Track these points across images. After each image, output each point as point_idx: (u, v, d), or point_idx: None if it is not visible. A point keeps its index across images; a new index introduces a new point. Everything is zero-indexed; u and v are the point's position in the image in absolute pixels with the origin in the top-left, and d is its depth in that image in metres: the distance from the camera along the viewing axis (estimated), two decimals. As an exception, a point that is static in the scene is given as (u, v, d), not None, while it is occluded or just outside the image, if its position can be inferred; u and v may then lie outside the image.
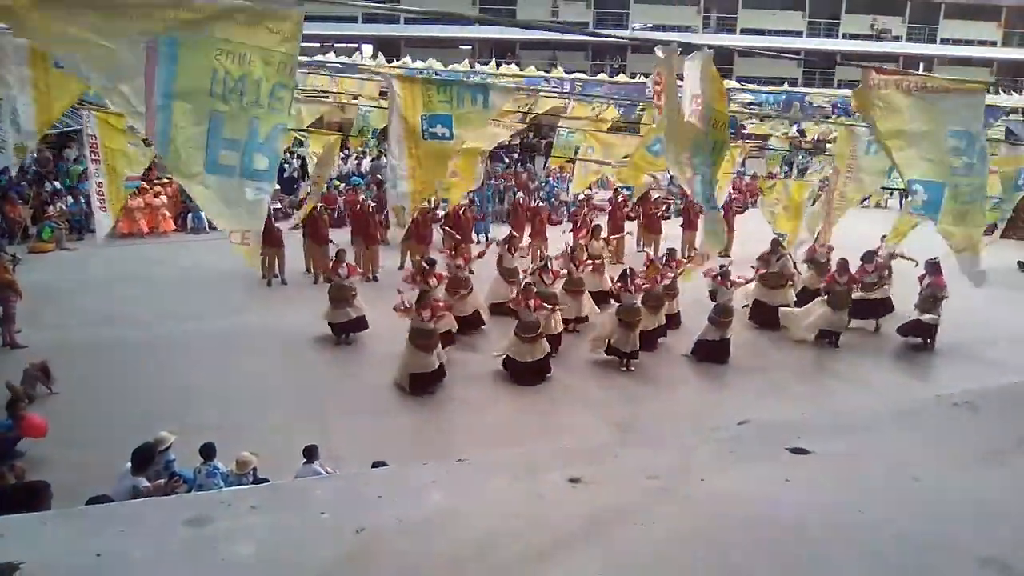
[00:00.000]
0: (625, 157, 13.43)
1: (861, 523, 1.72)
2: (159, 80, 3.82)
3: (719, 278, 12.31)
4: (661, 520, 1.71)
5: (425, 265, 12.28)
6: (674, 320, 13.28)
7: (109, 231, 16.07)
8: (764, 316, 13.87)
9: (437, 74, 17.70)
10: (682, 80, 5.43)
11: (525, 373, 10.94)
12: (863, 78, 5.88)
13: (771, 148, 17.62)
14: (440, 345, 10.66)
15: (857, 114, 8.36)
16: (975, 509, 1.78)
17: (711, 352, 12.14)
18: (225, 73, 3.93)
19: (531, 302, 10.84)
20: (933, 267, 12.90)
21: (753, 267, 13.79)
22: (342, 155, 23.67)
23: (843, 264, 13.25)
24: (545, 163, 28.86)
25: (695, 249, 17.42)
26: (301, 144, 16.67)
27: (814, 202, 13.27)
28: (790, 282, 14.22)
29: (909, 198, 12.73)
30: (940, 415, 2.35)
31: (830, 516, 1.75)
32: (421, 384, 10.44)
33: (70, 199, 19.17)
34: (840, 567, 1.56)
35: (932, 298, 12.72)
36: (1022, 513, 1.76)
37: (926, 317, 12.71)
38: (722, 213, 6.76)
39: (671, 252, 13.84)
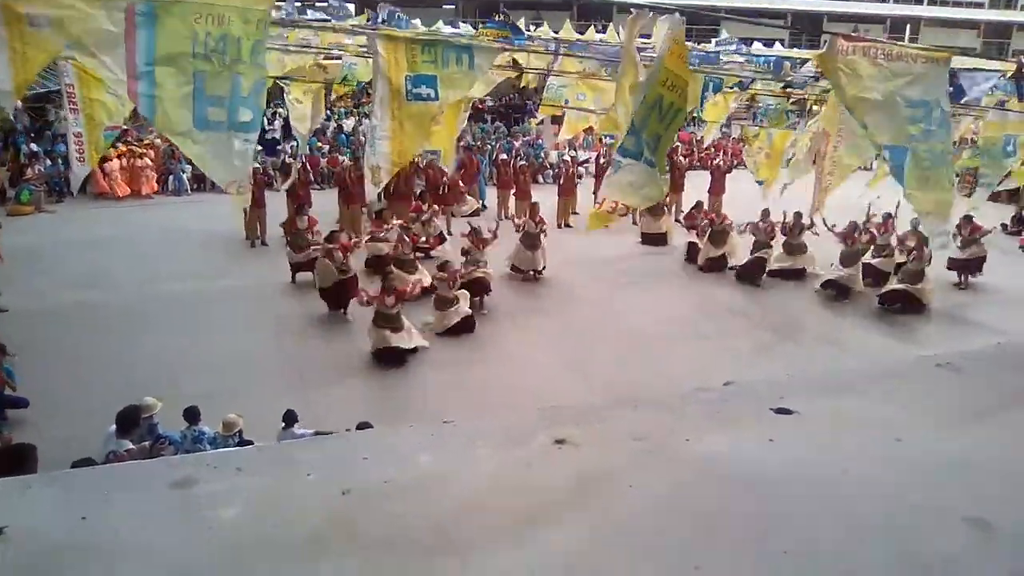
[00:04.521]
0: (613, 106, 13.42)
1: (844, 482, 1.73)
2: (140, 48, 3.90)
3: (758, 223, 14.40)
4: (647, 481, 1.72)
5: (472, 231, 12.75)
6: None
7: (91, 192, 15.80)
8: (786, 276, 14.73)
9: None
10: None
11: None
12: (830, 44, 5.93)
13: (763, 104, 17.58)
14: (404, 325, 10.66)
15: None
16: (957, 468, 1.80)
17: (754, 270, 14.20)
18: (206, 34, 4.02)
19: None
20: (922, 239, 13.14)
21: (784, 235, 14.63)
22: (326, 114, 23.35)
23: (852, 225, 13.94)
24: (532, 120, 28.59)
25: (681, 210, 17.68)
26: (283, 94, 16.34)
27: (793, 153, 13.44)
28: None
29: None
30: (923, 376, 2.37)
31: (814, 475, 1.76)
32: (389, 357, 10.49)
33: (48, 162, 18.87)
34: (823, 525, 1.57)
35: (917, 273, 12.89)
36: (1003, 472, 1.78)
37: (912, 288, 12.86)
38: (667, 173, 6.71)
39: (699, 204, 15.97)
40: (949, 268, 14.40)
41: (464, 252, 12.60)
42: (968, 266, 14.42)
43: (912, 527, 1.56)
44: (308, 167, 17.61)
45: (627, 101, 6.03)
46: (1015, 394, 2.22)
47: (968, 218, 14.22)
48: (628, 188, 6.16)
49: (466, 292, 11.66)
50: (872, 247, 14.11)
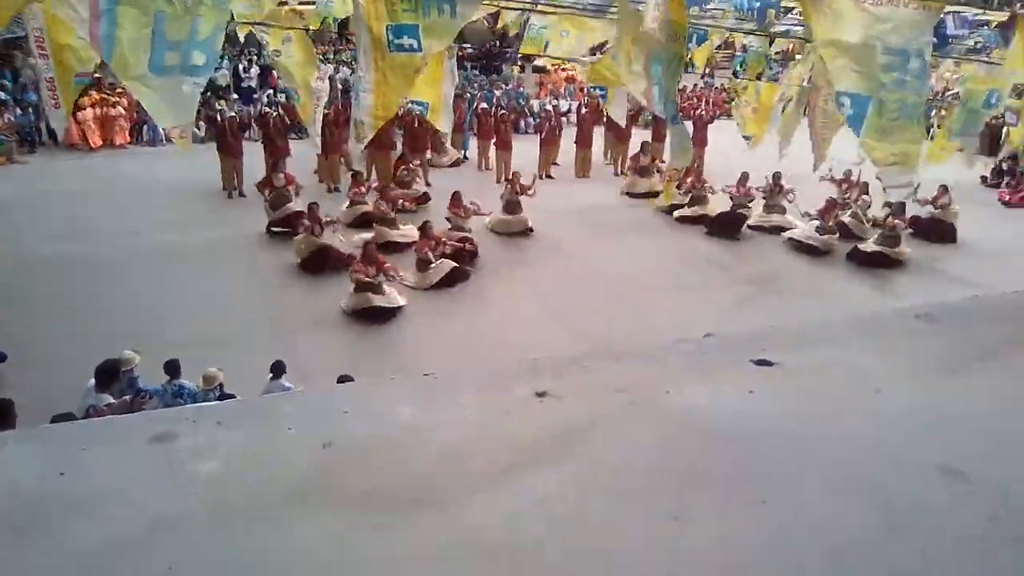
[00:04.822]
0: (594, 50, 13.27)
1: (823, 434, 1.75)
2: None
3: (735, 187, 14.60)
4: (627, 433, 1.72)
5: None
6: None
7: (63, 143, 15.50)
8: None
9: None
10: None
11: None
12: None
13: (745, 51, 17.47)
14: (385, 290, 10.71)
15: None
16: (935, 420, 1.82)
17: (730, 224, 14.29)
18: None
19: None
20: (900, 208, 13.16)
21: (763, 196, 14.76)
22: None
23: (831, 202, 14.03)
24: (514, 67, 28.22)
25: (662, 161, 17.45)
26: (261, 49, 15.96)
27: (785, 107, 13.35)
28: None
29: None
30: (902, 328, 2.38)
31: (793, 427, 1.78)
32: (371, 315, 10.50)
33: (19, 111, 18.42)
34: (802, 477, 1.59)
35: (895, 237, 12.97)
36: (980, 423, 1.80)
37: (890, 251, 12.96)
38: (687, 127, 6.91)
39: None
40: (914, 232, 14.38)
41: (448, 219, 12.75)
42: (934, 226, 14.49)
43: (890, 476, 1.58)
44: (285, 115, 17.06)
45: (629, 51, 5.99)
46: (991, 346, 2.25)
47: (944, 188, 14.29)
48: (674, 152, 6.33)
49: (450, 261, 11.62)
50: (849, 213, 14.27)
